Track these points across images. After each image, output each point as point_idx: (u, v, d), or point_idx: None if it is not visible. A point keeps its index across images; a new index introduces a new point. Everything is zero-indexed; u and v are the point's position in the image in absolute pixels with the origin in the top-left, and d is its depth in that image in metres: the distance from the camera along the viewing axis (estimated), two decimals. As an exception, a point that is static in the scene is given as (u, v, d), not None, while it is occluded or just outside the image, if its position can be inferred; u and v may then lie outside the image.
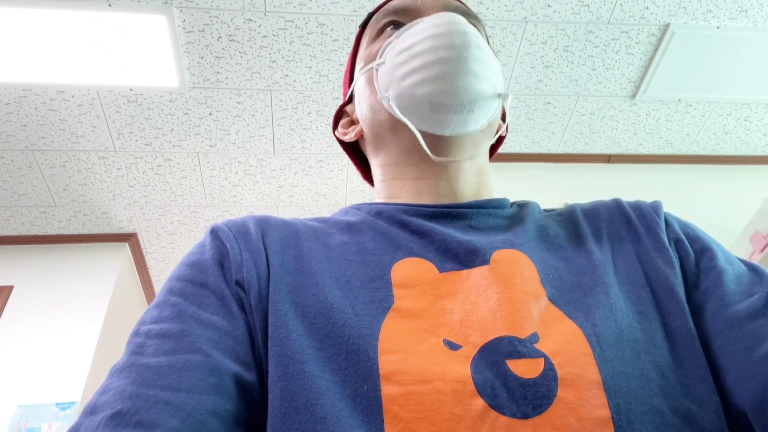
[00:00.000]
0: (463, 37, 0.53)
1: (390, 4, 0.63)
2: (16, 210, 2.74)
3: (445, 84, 0.52)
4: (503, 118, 0.64)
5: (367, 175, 0.69)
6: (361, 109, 0.62)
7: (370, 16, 0.65)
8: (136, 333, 0.43)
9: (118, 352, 2.75)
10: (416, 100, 0.53)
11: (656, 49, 2.34)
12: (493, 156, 0.66)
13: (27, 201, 2.70)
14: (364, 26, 0.67)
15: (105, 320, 2.67)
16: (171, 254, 3.14)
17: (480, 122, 0.55)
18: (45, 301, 2.69)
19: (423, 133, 0.54)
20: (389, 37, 0.59)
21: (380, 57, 0.59)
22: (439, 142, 0.54)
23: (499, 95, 0.55)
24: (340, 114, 0.67)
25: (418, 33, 0.55)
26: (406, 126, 0.54)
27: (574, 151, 2.80)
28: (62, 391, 2.40)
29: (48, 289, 2.73)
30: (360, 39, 0.66)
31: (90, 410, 0.37)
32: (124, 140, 2.47)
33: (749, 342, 0.40)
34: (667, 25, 2.25)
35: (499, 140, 0.66)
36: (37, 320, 2.62)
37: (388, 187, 0.59)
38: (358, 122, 0.63)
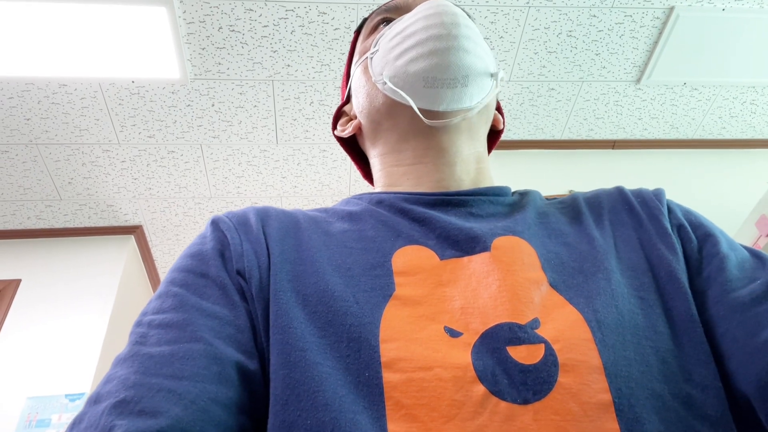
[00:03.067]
0: (452, 17, 0.55)
1: (383, 5, 0.65)
2: (22, 204, 2.75)
3: (438, 58, 0.53)
4: (500, 111, 0.65)
5: (367, 173, 0.70)
6: (358, 101, 0.63)
7: (365, 20, 0.68)
8: (138, 324, 0.44)
9: (125, 343, 2.77)
10: (411, 77, 0.54)
11: (661, 33, 2.31)
12: (492, 150, 0.67)
13: (32, 195, 2.71)
14: (358, 32, 0.68)
15: (112, 311, 2.69)
16: (176, 246, 3.15)
17: (474, 99, 0.55)
18: (52, 293, 2.71)
19: (419, 110, 0.55)
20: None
21: (374, 47, 0.60)
22: (434, 119, 0.55)
23: (492, 75, 0.56)
24: (338, 116, 0.68)
25: (409, 18, 0.57)
26: (403, 108, 0.56)
27: (579, 137, 2.78)
28: (72, 383, 2.42)
29: (55, 282, 2.75)
30: (355, 43, 0.68)
31: (94, 399, 0.38)
32: (128, 133, 2.47)
33: (752, 327, 0.40)
34: (672, 8, 2.23)
35: (498, 135, 0.67)
36: (45, 313, 2.64)
37: (388, 174, 0.60)
38: (356, 118, 0.64)
